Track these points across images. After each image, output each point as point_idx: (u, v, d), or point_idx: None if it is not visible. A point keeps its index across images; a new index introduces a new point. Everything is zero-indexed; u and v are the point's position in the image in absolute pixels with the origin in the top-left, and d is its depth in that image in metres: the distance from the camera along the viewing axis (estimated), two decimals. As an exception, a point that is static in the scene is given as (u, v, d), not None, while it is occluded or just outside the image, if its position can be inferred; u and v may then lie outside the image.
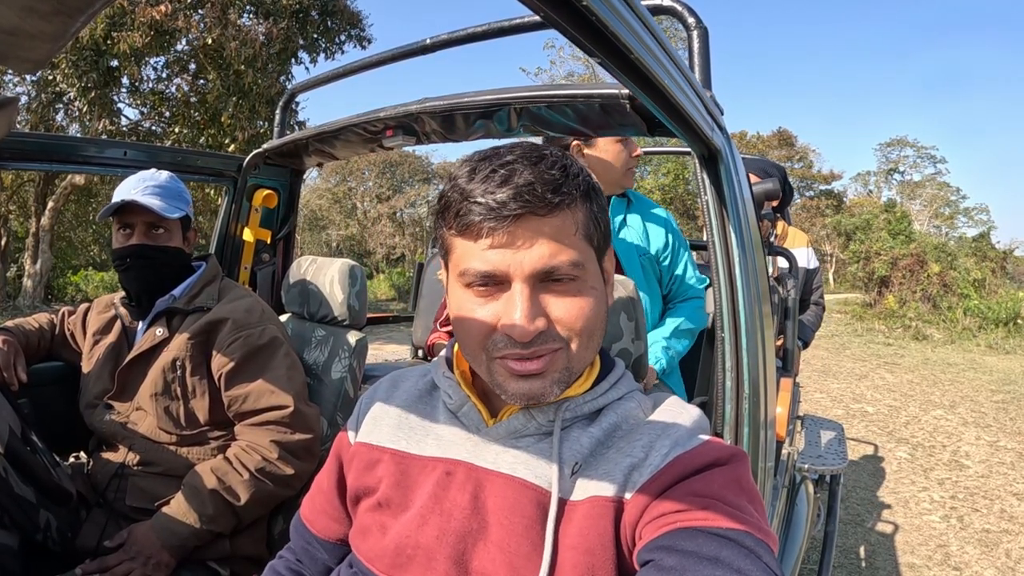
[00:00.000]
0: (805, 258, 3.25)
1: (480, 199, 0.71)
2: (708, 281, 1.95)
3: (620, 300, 1.08)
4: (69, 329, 1.81)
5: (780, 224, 3.36)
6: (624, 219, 1.91)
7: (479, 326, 0.74)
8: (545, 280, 0.73)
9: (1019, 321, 13.59)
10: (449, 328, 2.04)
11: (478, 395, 0.85)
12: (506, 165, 0.73)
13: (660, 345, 1.78)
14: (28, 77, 11.40)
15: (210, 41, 10.63)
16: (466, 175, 0.75)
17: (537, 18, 1.37)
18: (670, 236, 1.92)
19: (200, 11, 10.80)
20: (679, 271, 1.92)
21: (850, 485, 4.32)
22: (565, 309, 0.74)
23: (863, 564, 3.23)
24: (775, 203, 3.09)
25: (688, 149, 1.12)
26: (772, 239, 2.79)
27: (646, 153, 3.05)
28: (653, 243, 1.90)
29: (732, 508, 0.66)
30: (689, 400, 1.64)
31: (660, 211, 1.98)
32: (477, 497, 0.77)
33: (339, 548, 0.96)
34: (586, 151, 1.83)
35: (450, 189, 0.76)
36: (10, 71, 10.99)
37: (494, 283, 0.73)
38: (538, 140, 1.49)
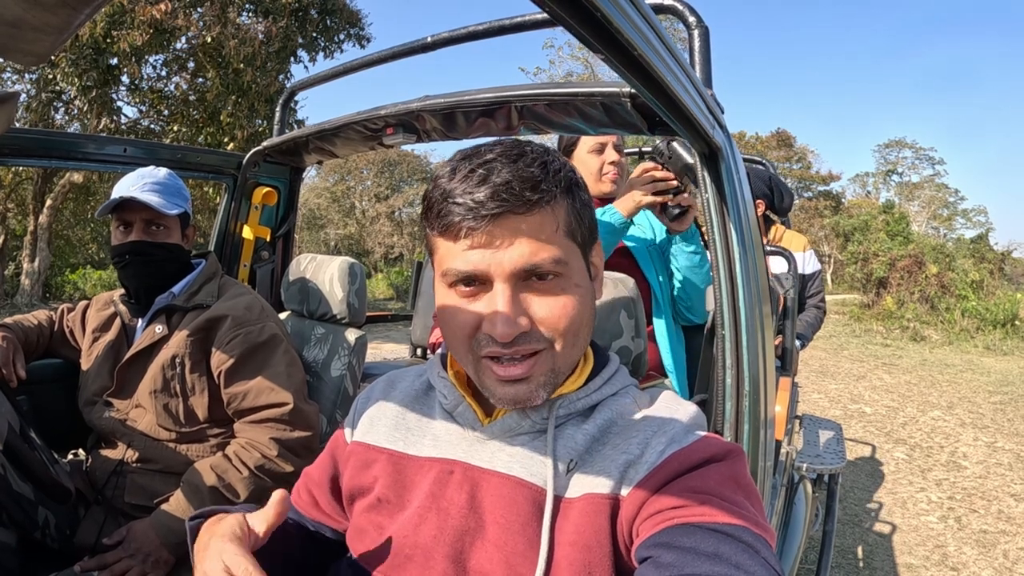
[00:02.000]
0: (802, 262, 3.24)
1: (459, 199, 0.71)
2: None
3: (620, 298, 1.08)
4: (68, 326, 1.81)
5: (773, 229, 3.36)
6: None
7: (463, 325, 0.74)
8: (527, 279, 0.73)
9: (1017, 322, 13.61)
10: None
11: (472, 394, 0.85)
12: (485, 164, 0.72)
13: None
14: (27, 75, 11.39)
15: (209, 39, 10.63)
16: (447, 174, 0.75)
17: (539, 16, 1.38)
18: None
19: (199, 9, 10.80)
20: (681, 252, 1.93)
21: (848, 485, 4.33)
22: (548, 309, 0.73)
23: (861, 564, 3.24)
24: (761, 208, 3.11)
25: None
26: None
27: (643, 154, 3.05)
28: (659, 232, 1.95)
29: (730, 504, 0.66)
30: (689, 397, 1.64)
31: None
32: (474, 496, 0.77)
33: (311, 523, 0.97)
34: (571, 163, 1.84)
35: (432, 189, 0.76)
36: (9, 69, 10.99)
37: (476, 283, 0.73)
38: (535, 138, 1.50)
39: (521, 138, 0.82)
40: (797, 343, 2.69)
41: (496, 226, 0.71)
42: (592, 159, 1.90)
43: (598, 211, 1.66)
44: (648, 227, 1.97)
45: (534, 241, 0.72)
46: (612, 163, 1.90)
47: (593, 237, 0.81)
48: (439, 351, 0.92)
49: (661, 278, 1.91)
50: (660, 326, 1.89)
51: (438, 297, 0.79)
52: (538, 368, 0.74)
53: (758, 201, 3.07)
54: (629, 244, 1.91)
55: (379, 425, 0.90)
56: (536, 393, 0.75)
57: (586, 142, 1.89)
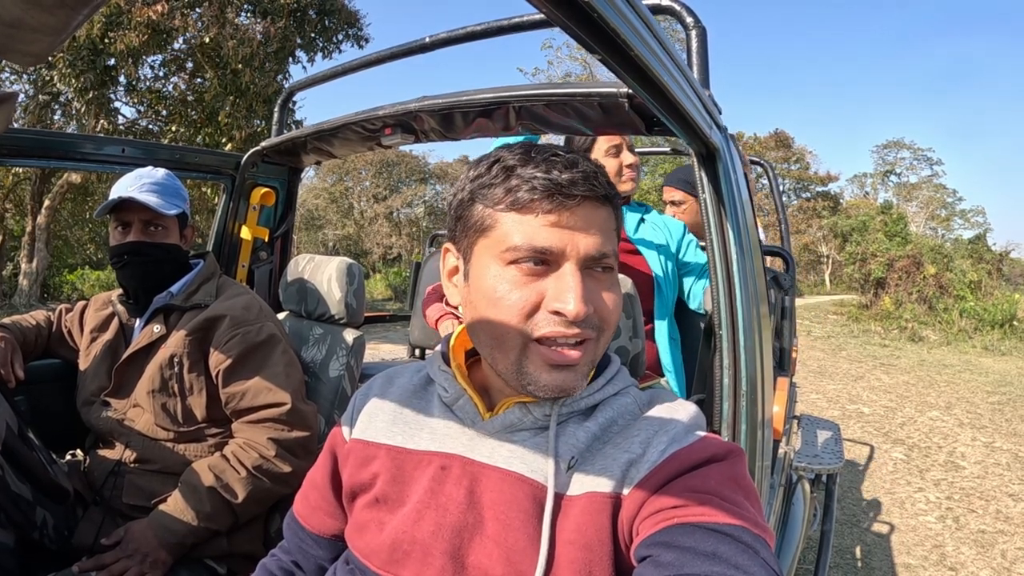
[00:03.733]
0: None
1: (546, 175, 0.73)
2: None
3: (618, 298, 1.08)
4: (66, 326, 1.81)
5: None
6: (642, 219, 2.06)
7: (521, 305, 0.73)
8: (591, 267, 0.75)
9: (1015, 323, 13.64)
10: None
11: (474, 388, 0.84)
12: (568, 153, 0.76)
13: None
14: (25, 76, 11.38)
15: (207, 40, 10.63)
16: (519, 157, 0.76)
17: (537, 17, 1.39)
18: (682, 230, 2.08)
19: (197, 10, 10.79)
20: (692, 259, 2.07)
21: (846, 486, 4.33)
22: (605, 298, 0.76)
23: (859, 564, 3.24)
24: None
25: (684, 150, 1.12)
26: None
27: (641, 154, 3.05)
28: (673, 237, 2.05)
29: (729, 504, 0.66)
30: (687, 397, 1.65)
31: (667, 216, 2.15)
32: (473, 491, 0.77)
33: (334, 544, 0.96)
34: None
35: (496, 168, 0.77)
36: (7, 70, 10.98)
37: (542, 262, 0.73)
38: (542, 139, 1.52)
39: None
40: None
41: (581, 208, 0.74)
42: (610, 161, 1.96)
43: None
44: (663, 229, 2.04)
45: (604, 232, 0.76)
46: (629, 166, 1.98)
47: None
48: (438, 348, 0.92)
49: (668, 280, 1.97)
50: (661, 327, 1.91)
51: (487, 277, 0.76)
52: (585, 356, 0.75)
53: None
54: (641, 244, 1.99)
55: (377, 421, 0.90)
56: (579, 383, 0.76)
57: (601, 145, 1.95)
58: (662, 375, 1.92)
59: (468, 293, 0.80)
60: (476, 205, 0.78)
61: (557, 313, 0.72)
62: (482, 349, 0.81)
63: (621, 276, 1.10)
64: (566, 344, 0.74)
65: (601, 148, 1.95)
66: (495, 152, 0.79)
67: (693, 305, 2.04)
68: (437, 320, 2.02)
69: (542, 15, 0.60)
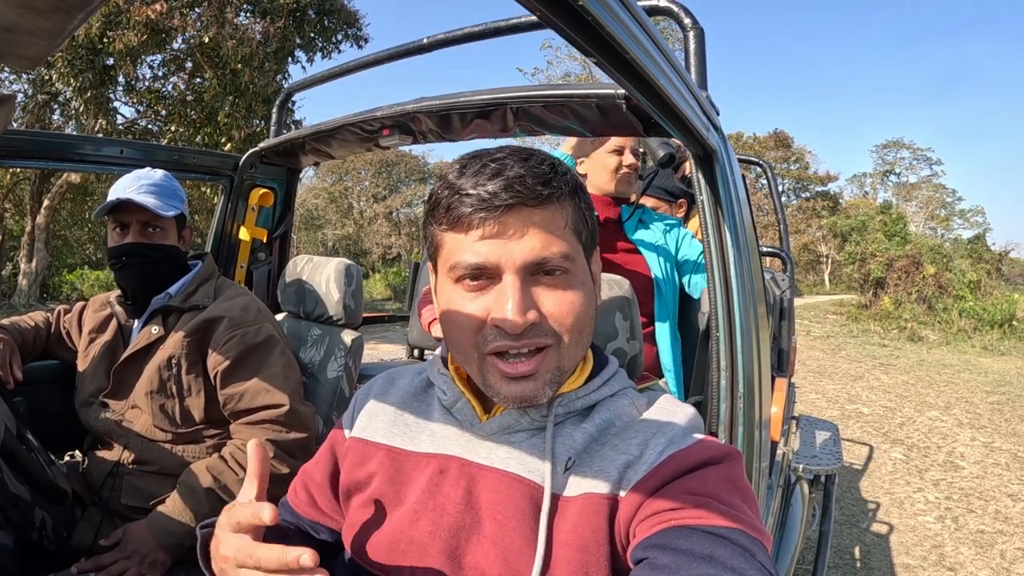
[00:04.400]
0: None
1: (471, 191, 0.72)
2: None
3: (615, 299, 1.08)
4: (65, 327, 1.81)
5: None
6: (640, 220, 2.08)
7: (469, 321, 0.74)
8: (536, 273, 0.73)
9: (1014, 323, 13.65)
10: None
11: (472, 391, 0.85)
12: (497, 160, 0.74)
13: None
14: (24, 76, 11.37)
15: (207, 40, 10.61)
16: (456, 171, 0.75)
17: (534, 18, 1.38)
18: (679, 230, 2.10)
19: (197, 9, 10.78)
20: (690, 254, 2.08)
21: (845, 486, 4.33)
22: (556, 303, 0.74)
23: (858, 564, 3.24)
24: (683, 209, 2.73)
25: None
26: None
27: None
28: (668, 239, 2.06)
29: (726, 506, 0.67)
30: (684, 399, 1.65)
31: (667, 217, 2.18)
32: (470, 492, 0.78)
33: (310, 525, 0.97)
34: (580, 159, 2.01)
35: (440, 185, 0.77)
36: (7, 69, 10.96)
37: (485, 276, 0.73)
38: (535, 141, 1.53)
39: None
40: None
41: (509, 217, 0.72)
42: (611, 158, 1.99)
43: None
44: (658, 232, 2.06)
45: (545, 234, 0.73)
46: (628, 166, 2.00)
47: (594, 242, 0.82)
48: (438, 351, 0.92)
49: (668, 280, 1.99)
50: (663, 329, 1.92)
51: (443, 295, 0.78)
52: (545, 365, 0.74)
53: (680, 201, 2.86)
54: (642, 245, 2.02)
55: (377, 421, 0.90)
56: (542, 391, 0.75)
57: (608, 142, 1.99)
58: (661, 376, 1.92)
59: (437, 309, 0.82)
60: (430, 225, 0.79)
61: (498, 325, 0.72)
62: (456, 361, 0.83)
63: (617, 278, 1.10)
64: (519, 355, 0.74)
65: (608, 145, 1.98)
66: (446, 167, 0.79)
67: (696, 295, 2.05)
68: (430, 323, 2.04)
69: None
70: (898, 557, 3.35)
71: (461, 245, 0.74)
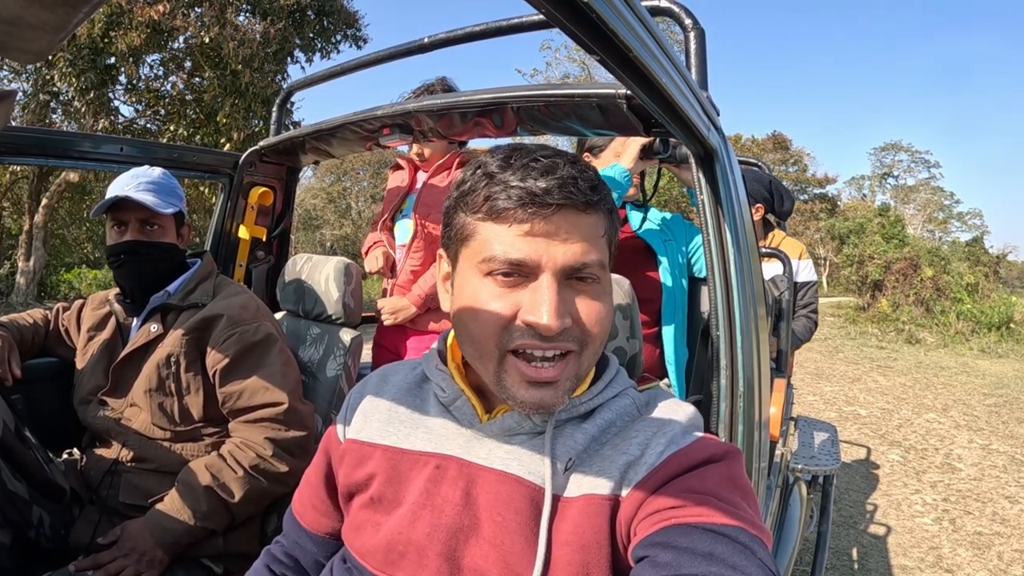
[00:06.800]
0: (796, 270, 3.14)
1: (519, 183, 0.70)
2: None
3: (615, 298, 1.08)
4: (63, 325, 1.81)
5: (771, 235, 3.32)
6: (645, 216, 2.07)
7: (496, 317, 0.72)
8: (571, 278, 0.72)
9: (1011, 325, 13.67)
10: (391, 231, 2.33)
11: (472, 389, 0.84)
12: (547, 157, 0.73)
13: None
14: (24, 76, 11.35)
15: (207, 40, 10.60)
16: (499, 162, 0.74)
17: (536, 17, 1.39)
18: (680, 222, 2.10)
19: (198, 9, 10.77)
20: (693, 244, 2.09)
21: (843, 487, 4.33)
22: (587, 310, 0.73)
23: (856, 566, 3.24)
24: (760, 212, 3.09)
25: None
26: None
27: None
28: (674, 230, 2.05)
29: (727, 504, 0.67)
30: (684, 398, 1.65)
31: (666, 213, 2.16)
32: (469, 493, 0.77)
33: (328, 542, 0.96)
34: (593, 163, 1.98)
35: (477, 174, 0.75)
36: (7, 68, 10.96)
37: (520, 273, 0.72)
38: (541, 142, 1.53)
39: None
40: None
41: (558, 217, 0.71)
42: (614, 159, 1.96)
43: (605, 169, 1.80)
44: (663, 225, 2.05)
45: (586, 240, 0.72)
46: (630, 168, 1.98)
47: (614, 256, 0.81)
48: (434, 345, 0.92)
49: (675, 278, 1.97)
50: (668, 331, 1.91)
51: (467, 287, 0.76)
52: (566, 372, 0.74)
53: (757, 205, 3.05)
54: (653, 244, 2.00)
55: (372, 420, 0.89)
56: (561, 399, 0.74)
57: (614, 144, 1.97)
58: (662, 377, 1.92)
59: (453, 301, 0.80)
60: (459, 213, 0.77)
61: (531, 326, 0.71)
62: (467, 357, 0.80)
63: (618, 277, 1.10)
64: (543, 359, 0.72)
65: (613, 147, 1.96)
66: (481, 156, 0.77)
67: (704, 273, 2.05)
68: (367, 250, 2.09)
69: (541, 16, 0.60)
70: (895, 558, 3.35)
71: (500, 237, 0.71)
